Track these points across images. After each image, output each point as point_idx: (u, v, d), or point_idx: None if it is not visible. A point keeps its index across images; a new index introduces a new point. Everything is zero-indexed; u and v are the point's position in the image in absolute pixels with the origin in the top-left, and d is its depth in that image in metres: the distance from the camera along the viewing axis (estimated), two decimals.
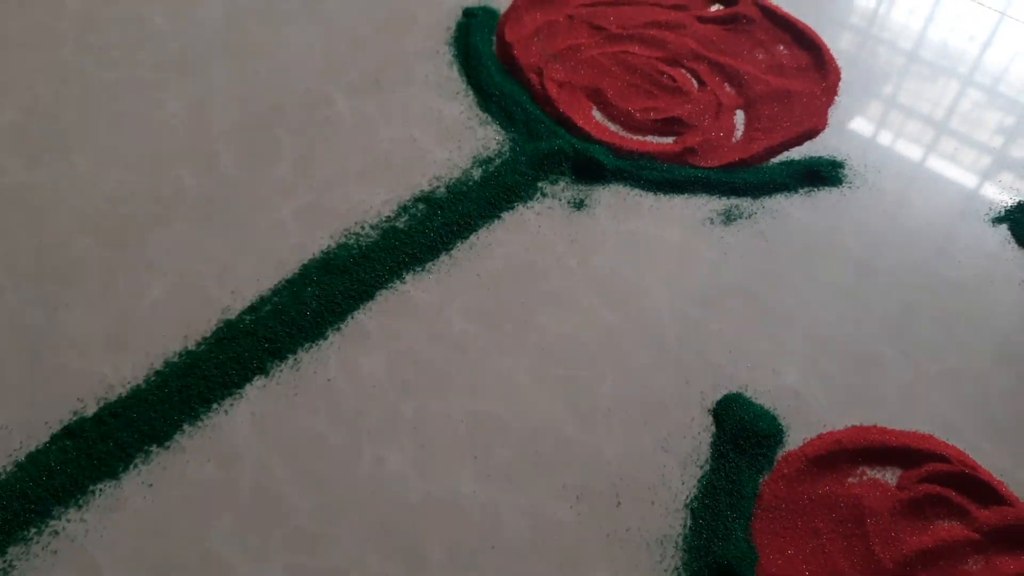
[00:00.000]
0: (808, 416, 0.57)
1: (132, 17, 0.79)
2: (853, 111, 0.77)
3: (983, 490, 0.54)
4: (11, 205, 0.64)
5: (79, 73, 0.74)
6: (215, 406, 0.54)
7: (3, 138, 0.68)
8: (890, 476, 0.55)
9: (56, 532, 0.48)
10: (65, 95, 0.72)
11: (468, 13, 0.82)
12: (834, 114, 0.76)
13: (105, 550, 0.48)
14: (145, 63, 0.75)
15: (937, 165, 0.73)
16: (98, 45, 0.77)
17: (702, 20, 0.83)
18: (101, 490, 0.50)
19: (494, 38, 0.80)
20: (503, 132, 0.72)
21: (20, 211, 0.64)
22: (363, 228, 0.65)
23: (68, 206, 0.64)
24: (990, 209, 0.70)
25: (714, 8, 0.84)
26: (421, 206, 0.66)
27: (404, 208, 0.66)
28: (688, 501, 0.52)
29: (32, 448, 0.51)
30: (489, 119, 0.73)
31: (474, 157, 0.70)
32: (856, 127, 0.75)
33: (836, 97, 0.77)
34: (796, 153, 0.73)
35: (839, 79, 0.79)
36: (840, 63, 0.80)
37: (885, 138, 0.75)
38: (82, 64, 0.75)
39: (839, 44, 0.82)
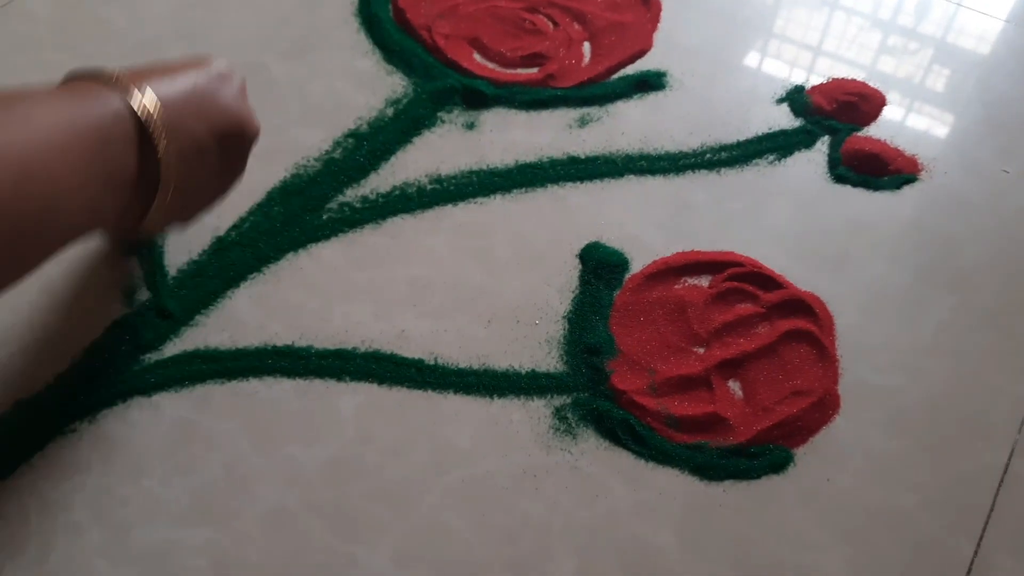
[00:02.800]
0: (645, 250, 0.80)
1: (94, 19, 0.97)
2: (674, 34, 1.00)
3: (767, 281, 0.78)
4: None
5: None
6: (227, 293, 0.75)
7: None
8: (704, 281, 0.78)
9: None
10: None
11: None
12: (659, 37, 0.99)
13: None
14: (112, 55, 0.94)
15: (738, 67, 0.97)
16: (71, 44, 0.95)
17: None
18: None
19: (389, 5, 1.00)
20: (406, 78, 0.93)
21: None
22: (308, 161, 0.85)
23: None
24: (774, 93, 0.94)
25: None
26: (351, 140, 0.87)
27: (337, 143, 0.87)
28: (566, 314, 0.75)
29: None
30: (394, 70, 0.94)
31: (386, 99, 0.91)
32: (676, 46, 0.98)
33: (660, 24, 1.00)
34: (631, 69, 0.95)
35: (661, 10, 1.02)
36: None
37: (697, 50, 0.98)
38: (62, 62, 0.93)
39: None
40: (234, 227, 0.79)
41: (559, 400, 0.70)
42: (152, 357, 0.70)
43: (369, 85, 0.92)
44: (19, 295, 0.73)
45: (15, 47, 0.94)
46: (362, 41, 0.97)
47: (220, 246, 0.78)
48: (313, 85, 0.92)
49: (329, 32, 0.98)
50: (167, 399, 0.68)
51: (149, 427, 0.66)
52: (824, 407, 0.71)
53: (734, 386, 0.72)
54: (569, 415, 0.69)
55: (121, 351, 0.70)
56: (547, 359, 0.72)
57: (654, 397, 0.70)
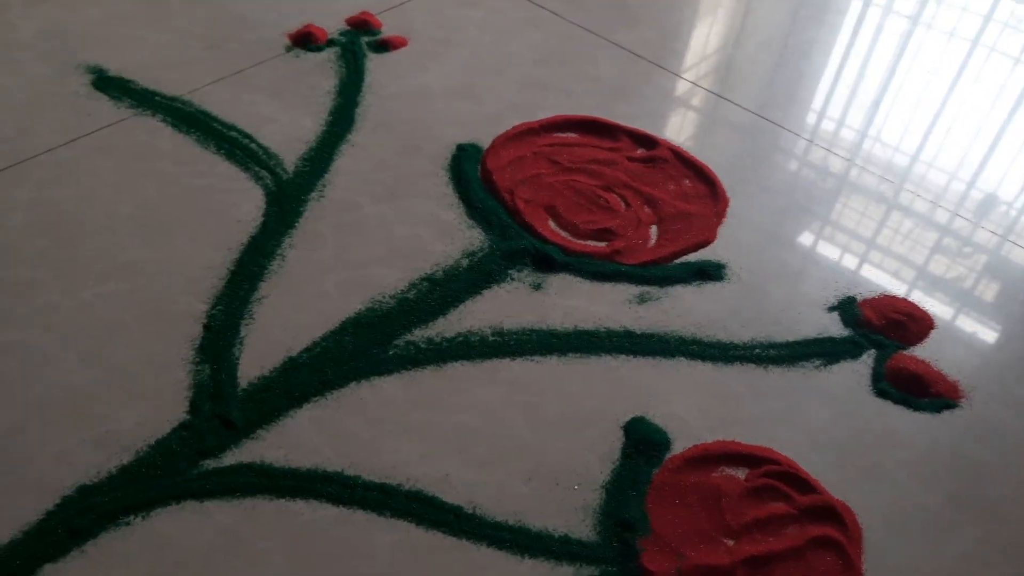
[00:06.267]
0: (688, 433, 0.83)
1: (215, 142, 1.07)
2: (736, 229, 1.06)
3: (802, 483, 0.80)
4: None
5: (175, 181, 1.01)
6: (289, 412, 0.79)
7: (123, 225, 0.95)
8: (740, 473, 0.81)
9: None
10: (168, 196, 0.99)
11: (460, 148, 1.11)
12: (722, 231, 1.06)
13: None
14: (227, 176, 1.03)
15: (795, 268, 1.02)
16: (186, 162, 1.04)
17: (630, 159, 1.13)
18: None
19: (479, 166, 1.09)
20: (484, 234, 1.00)
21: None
22: (384, 297, 0.91)
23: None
24: (827, 300, 0.99)
25: (639, 151, 1.15)
26: (425, 284, 0.93)
27: (413, 285, 0.93)
28: (604, 483, 0.78)
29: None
30: (474, 224, 1.01)
31: (463, 251, 0.98)
32: (737, 240, 1.05)
33: (724, 219, 1.07)
34: (692, 257, 1.01)
35: (727, 206, 1.09)
36: (729, 195, 1.10)
37: (757, 249, 1.04)
38: (177, 174, 1.02)
39: (730, 181, 1.13)
40: (306, 350, 0.85)
41: (587, 571, 0.71)
42: (211, 463, 0.74)
43: (449, 235, 1.00)
44: (98, 382, 0.78)
45: (136, 155, 1.04)
46: (449, 194, 1.05)
47: (291, 365, 0.83)
48: (399, 228, 1.00)
49: (420, 181, 1.06)
50: (218, 507, 0.71)
51: (197, 532, 0.69)
52: None
53: None
54: None
55: (184, 453, 0.74)
56: (581, 526, 0.74)
57: None
